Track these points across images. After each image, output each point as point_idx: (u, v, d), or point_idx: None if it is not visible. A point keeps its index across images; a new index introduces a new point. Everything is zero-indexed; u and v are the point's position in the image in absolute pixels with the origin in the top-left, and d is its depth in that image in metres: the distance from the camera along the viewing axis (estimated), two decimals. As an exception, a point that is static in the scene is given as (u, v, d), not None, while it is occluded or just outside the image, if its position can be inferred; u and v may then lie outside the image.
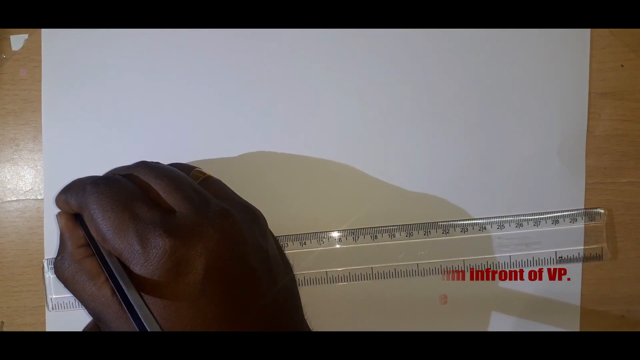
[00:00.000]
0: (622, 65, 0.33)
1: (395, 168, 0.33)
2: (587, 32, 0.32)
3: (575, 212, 0.33)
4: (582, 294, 0.33)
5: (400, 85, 0.32)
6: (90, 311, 0.25)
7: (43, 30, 0.32)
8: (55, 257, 0.26)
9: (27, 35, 0.33)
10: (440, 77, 0.32)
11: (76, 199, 0.25)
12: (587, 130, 0.33)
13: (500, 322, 0.33)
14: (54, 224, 0.33)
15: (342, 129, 0.33)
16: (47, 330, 0.33)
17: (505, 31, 0.32)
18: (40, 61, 0.32)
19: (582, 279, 0.33)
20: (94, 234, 0.24)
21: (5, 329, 0.34)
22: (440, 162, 0.33)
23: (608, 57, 0.32)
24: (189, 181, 0.26)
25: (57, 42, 0.32)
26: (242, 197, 0.28)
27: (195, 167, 0.28)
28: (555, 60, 0.32)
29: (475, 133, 0.32)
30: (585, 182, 0.33)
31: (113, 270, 0.23)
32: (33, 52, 0.32)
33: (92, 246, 0.25)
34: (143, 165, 0.26)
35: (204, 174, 0.28)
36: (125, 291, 0.22)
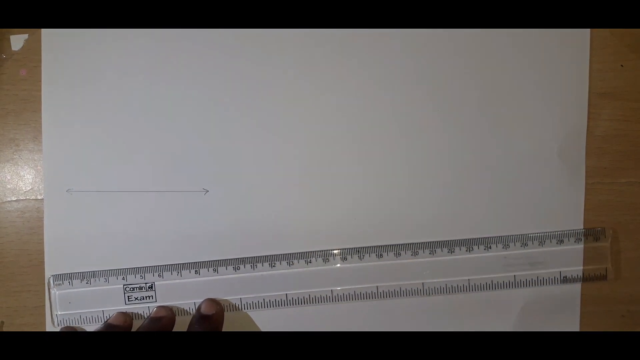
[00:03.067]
0: (622, 65, 0.33)
1: (395, 168, 0.33)
2: (587, 32, 0.32)
3: (579, 231, 0.32)
4: (582, 294, 0.33)
5: (400, 86, 0.32)
6: None
7: (43, 30, 0.32)
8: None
9: (27, 35, 0.33)
10: (440, 77, 0.32)
11: None
12: (587, 130, 0.33)
13: (500, 322, 0.33)
14: (54, 223, 0.33)
15: (344, 133, 0.32)
16: (47, 330, 0.33)
17: (505, 31, 0.32)
18: (40, 61, 0.32)
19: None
20: None
21: (5, 329, 0.34)
22: (439, 162, 0.32)
23: (608, 57, 0.32)
24: None
25: (57, 42, 0.32)
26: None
27: None
28: (555, 60, 0.32)
29: (475, 133, 0.32)
30: (585, 182, 0.33)
31: None
32: (33, 52, 0.32)
33: None
34: None
35: None
36: None
